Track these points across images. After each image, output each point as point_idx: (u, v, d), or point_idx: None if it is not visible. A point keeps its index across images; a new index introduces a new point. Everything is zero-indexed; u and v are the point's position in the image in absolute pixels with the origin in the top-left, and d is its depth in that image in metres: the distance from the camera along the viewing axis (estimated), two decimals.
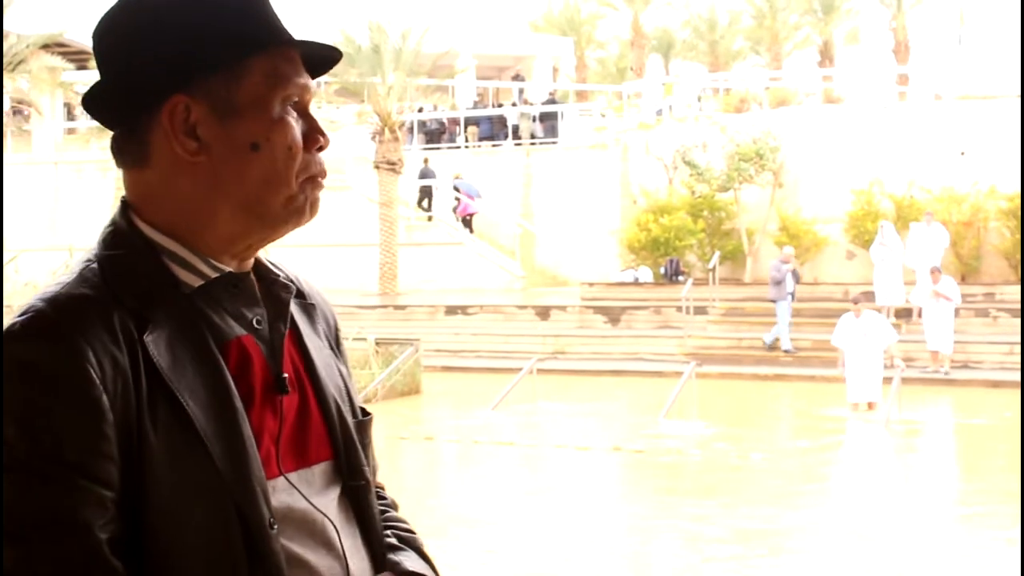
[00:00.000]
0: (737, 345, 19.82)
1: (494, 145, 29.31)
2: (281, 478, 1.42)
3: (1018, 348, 17.51)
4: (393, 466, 12.98)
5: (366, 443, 1.57)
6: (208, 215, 1.42)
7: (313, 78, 1.50)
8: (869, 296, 19.09)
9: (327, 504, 1.47)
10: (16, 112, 31.99)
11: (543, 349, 19.82)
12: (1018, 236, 20.65)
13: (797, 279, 19.43)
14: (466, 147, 29.43)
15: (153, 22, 1.41)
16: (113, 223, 1.45)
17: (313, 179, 1.45)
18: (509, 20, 42.44)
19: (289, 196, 1.43)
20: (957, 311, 18.45)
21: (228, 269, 1.45)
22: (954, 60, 33.35)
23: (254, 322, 1.46)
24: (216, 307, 1.43)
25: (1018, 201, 20.33)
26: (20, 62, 24.81)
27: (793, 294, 19.25)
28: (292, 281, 1.54)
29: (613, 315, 21.41)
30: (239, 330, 1.44)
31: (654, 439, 13.40)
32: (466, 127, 30.08)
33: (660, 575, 8.49)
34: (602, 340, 20.70)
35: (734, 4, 40.35)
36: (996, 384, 17.02)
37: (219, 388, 1.37)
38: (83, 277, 1.38)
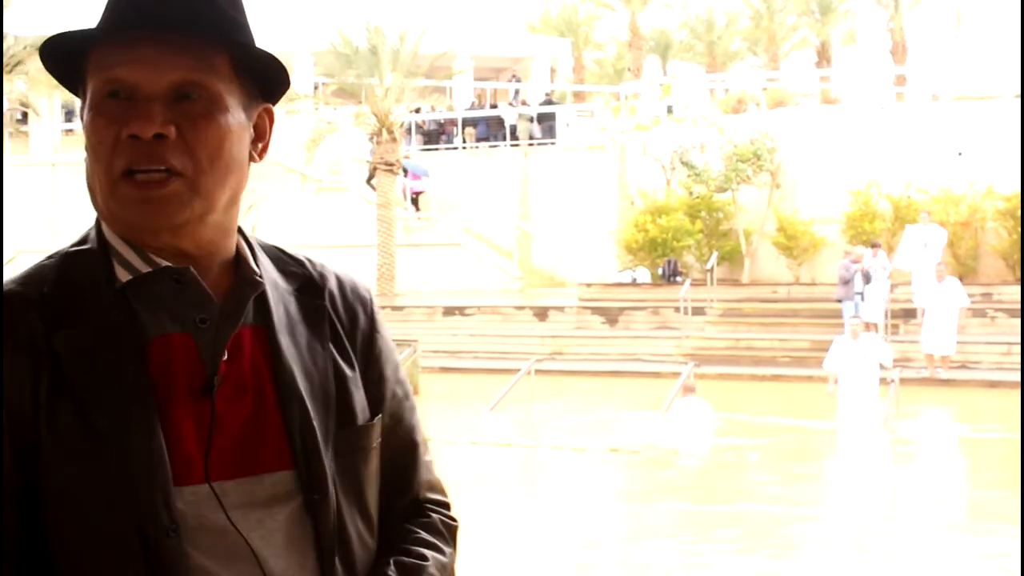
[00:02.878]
0: (735, 346, 19.82)
1: (492, 146, 29.31)
2: (204, 486, 1.36)
3: (1016, 348, 17.50)
4: None
5: (356, 449, 1.47)
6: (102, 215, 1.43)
7: (273, 82, 1.44)
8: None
9: (261, 518, 1.39)
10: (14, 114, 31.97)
11: (541, 350, 19.81)
12: (1015, 236, 20.65)
13: (867, 280, 18.88)
14: (464, 148, 29.43)
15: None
16: (94, 220, 1.46)
17: (130, 173, 1.35)
18: (506, 21, 42.39)
19: (106, 195, 1.38)
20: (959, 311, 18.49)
21: (164, 263, 1.39)
22: (951, 61, 33.36)
23: (197, 320, 1.40)
24: (152, 304, 1.39)
25: (1015, 201, 20.34)
26: (18, 63, 24.80)
27: (863, 295, 18.80)
28: (260, 278, 1.45)
29: (611, 316, 21.40)
30: (171, 328, 1.38)
31: (652, 440, 13.40)
32: (463, 128, 30.08)
33: None
34: (600, 341, 20.70)
35: (731, 5, 40.33)
36: (994, 384, 17.02)
37: (129, 388, 1.34)
38: (31, 271, 1.42)
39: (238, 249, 1.47)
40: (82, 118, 1.42)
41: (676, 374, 15.80)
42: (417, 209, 27.21)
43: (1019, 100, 20.96)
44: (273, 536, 1.39)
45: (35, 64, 25.15)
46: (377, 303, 1.60)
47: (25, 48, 24.63)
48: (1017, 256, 20.47)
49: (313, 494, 1.42)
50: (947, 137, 21.88)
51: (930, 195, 21.44)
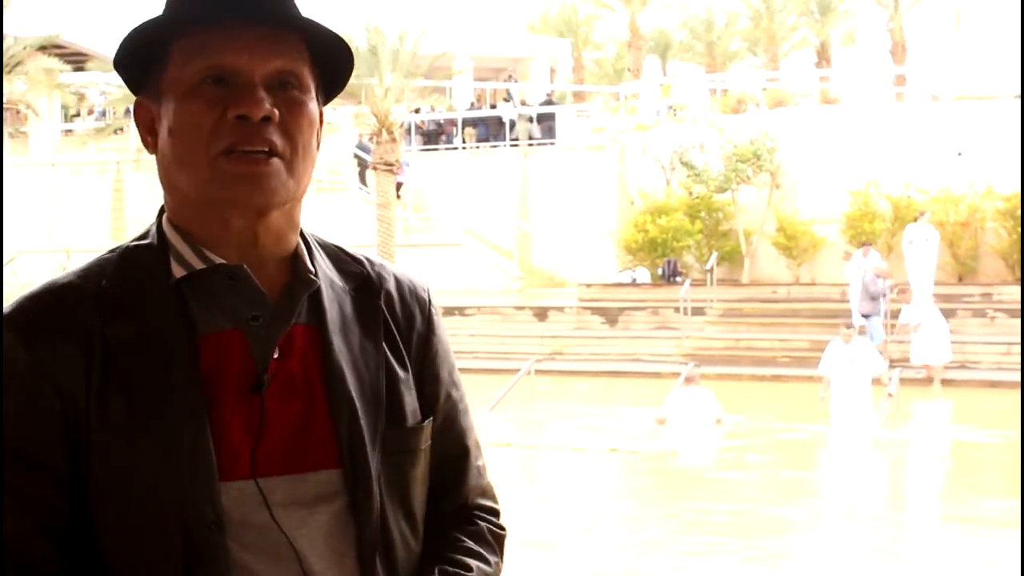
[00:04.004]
0: (735, 346, 19.82)
1: (492, 146, 29.31)
2: (251, 482, 1.37)
3: (1015, 348, 17.50)
4: None
5: (404, 451, 1.47)
6: (174, 206, 1.45)
7: (332, 62, 1.46)
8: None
9: (304, 516, 1.39)
10: (13, 114, 31.98)
11: (541, 350, 19.82)
12: (1015, 236, 20.65)
13: (888, 293, 18.44)
14: (463, 148, 29.43)
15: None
16: (156, 216, 1.50)
17: (231, 152, 1.37)
18: (506, 21, 42.40)
19: (202, 176, 1.38)
20: (954, 313, 18.49)
21: (219, 261, 1.40)
22: (951, 61, 33.38)
23: (250, 318, 1.41)
24: (206, 300, 1.41)
25: (1015, 201, 20.34)
26: (17, 63, 24.80)
27: (886, 311, 18.31)
28: (315, 277, 1.46)
29: (611, 316, 21.41)
30: (223, 325, 1.40)
31: (651, 440, 13.41)
32: (463, 128, 30.08)
33: None
34: (600, 341, 20.70)
35: (731, 5, 40.34)
36: (993, 384, 17.03)
37: (179, 383, 1.36)
38: (90, 265, 1.44)
39: (296, 246, 1.48)
40: (142, 107, 1.46)
41: (676, 374, 15.81)
42: (398, 196, 27.54)
43: (1019, 100, 20.97)
44: (315, 535, 1.40)
45: (35, 64, 25.17)
46: (437, 304, 1.62)
47: (25, 48, 24.63)
48: (1017, 256, 20.48)
49: (357, 494, 1.42)
50: (947, 137, 21.88)
51: (930, 195, 21.44)
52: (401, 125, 26.05)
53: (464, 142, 29.72)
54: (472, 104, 33.85)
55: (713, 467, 12.50)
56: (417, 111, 29.93)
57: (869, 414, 14.26)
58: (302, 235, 1.50)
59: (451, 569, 1.48)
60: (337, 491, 1.42)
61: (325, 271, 1.50)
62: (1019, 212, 20.34)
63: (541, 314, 21.82)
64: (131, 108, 1.52)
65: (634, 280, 22.91)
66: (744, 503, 10.31)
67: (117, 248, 1.47)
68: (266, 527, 1.37)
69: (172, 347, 1.38)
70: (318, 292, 1.46)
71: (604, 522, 9.98)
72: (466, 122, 30.31)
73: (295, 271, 1.46)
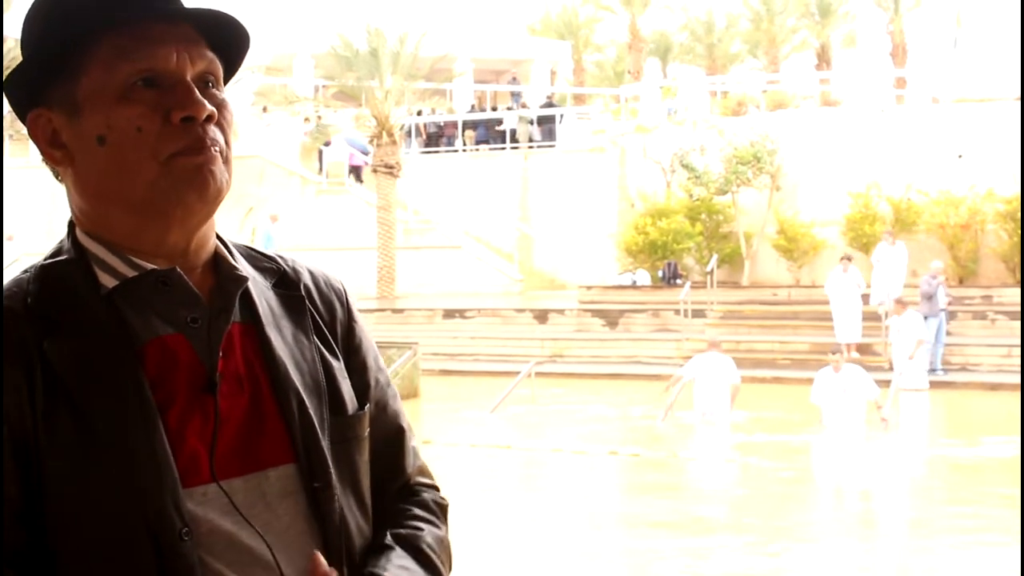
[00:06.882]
0: (735, 348, 19.78)
1: (492, 149, 29.32)
2: (212, 485, 1.36)
3: (1016, 351, 17.50)
4: None
5: (349, 439, 1.48)
6: (101, 217, 1.41)
7: (232, 52, 1.45)
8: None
9: (270, 517, 1.39)
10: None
11: (541, 352, 19.82)
12: (1016, 239, 20.66)
13: (930, 298, 18.11)
14: (464, 151, 29.44)
15: (23, 35, 1.42)
16: (67, 231, 1.46)
17: (186, 151, 1.36)
18: (507, 24, 42.42)
19: (150, 180, 1.36)
20: (954, 315, 18.49)
21: (150, 267, 1.39)
22: (951, 63, 33.38)
23: (188, 320, 1.39)
24: (141, 308, 1.38)
25: (1015, 204, 20.36)
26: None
27: (946, 310, 18.15)
28: (243, 274, 1.46)
29: (611, 318, 21.41)
30: (164, 330, 1.38)
31: (651, 442, 13.41)
32: (464, 131, 30.09)
33: None
34: (600, 343, 20.70)
35: (731, 7, 40.38)
36: (994, 387, 17.03)
37: (128, 392, 1.33)
38: (9, 284, 1.39)
39: (215, 248, 1.48)
40: (41, 119, 1.41)
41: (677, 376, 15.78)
42: (361, 181, 27.83)
43: (1019, 102, 20.98)
44: (285, 534, 1.40)
45: None
46: (352, 295, 1.62)
47: None
48: (1017, 259, 20.49)
49: (315, 483, 1.42)
50: (947, 139, 21.90)
51: (930, 197, 21.46)
52: (401, 127, 26.07)
53: (464, 144, 29.73)
54: (472, 107, 33.85)
55: (713, 470, 12.49)
56: (419, 113, 29.95)
57: (864, 430, 14.10)
58: (216, 236, 1.50)
59: (403, 531, 1.51)
60: (296, 486, 1.42)
61: (246, 268, 1.49)
62: (1019, 214, 20.35)
63: (541, 316, 21.83)
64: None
65: (634, 282, 22.92)
66: (744, 507, 10.31)
67: (31, 267, 1.42)
68: (236, 531, 1.36)
69: (115, 358, 1.35)
70: (247, 289, 1.46)
71: (604, 525, 9.98)
72: (466, 124, 30.32)
73: (221, 271, 1.45)
